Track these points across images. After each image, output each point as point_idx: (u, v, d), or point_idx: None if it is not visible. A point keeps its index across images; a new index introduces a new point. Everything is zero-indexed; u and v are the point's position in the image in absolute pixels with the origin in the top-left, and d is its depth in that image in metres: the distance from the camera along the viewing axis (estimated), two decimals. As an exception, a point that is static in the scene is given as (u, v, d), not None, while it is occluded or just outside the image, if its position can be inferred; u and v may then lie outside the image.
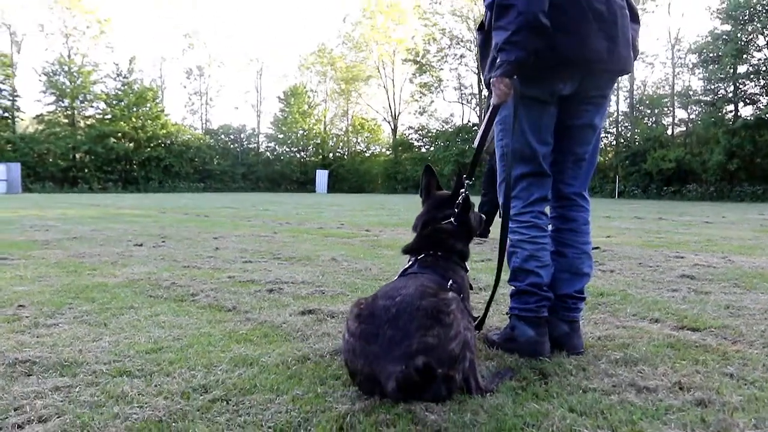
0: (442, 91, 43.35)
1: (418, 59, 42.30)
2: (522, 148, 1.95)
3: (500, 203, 2.05)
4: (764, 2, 24.90)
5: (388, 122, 47.31)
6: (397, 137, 44.87)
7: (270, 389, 1.56)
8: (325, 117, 47.91)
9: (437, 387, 1.43)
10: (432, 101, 44.81)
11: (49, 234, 6.06)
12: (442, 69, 42.37)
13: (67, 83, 35.87)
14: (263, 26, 73.75)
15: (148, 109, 37.93)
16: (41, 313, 2.43)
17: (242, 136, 44.76)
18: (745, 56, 25.83)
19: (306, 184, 40.72)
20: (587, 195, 2.11)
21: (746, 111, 26.67)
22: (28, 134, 34.31)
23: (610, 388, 1.58)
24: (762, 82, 26.01)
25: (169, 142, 38.72)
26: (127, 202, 16.64)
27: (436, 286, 1.62)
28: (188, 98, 52.33)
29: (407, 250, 1.99)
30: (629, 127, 32.47)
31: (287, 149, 44.88)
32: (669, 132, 31.35)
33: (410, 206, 14.36)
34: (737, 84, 26.54)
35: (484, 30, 1.95)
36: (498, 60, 1.76)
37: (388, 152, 45.83)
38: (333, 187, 39.95)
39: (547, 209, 2.07)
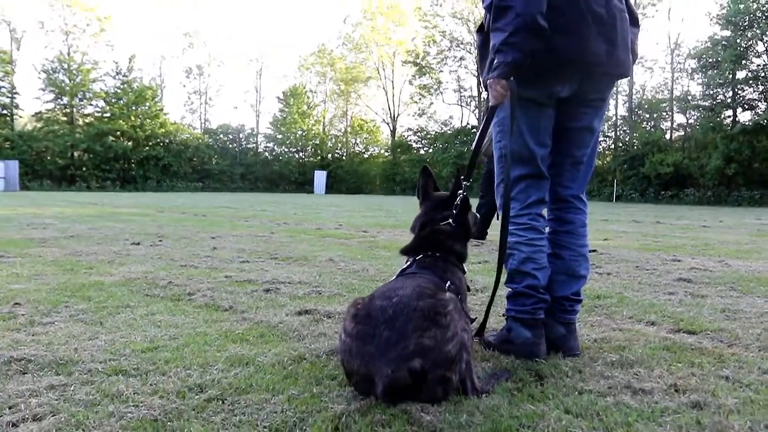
0: (442, 93, 43.49)
1: (417, 61, 42.37)
2: (520, 150, 1.95)
3: (498, 204, 2.05)
4: (764, 9, 25.01)
5: (387, 124, 47.42)
6: (395, 139, 44.92)
7: (266, 389, 1.56)
8: (324, 118, 47.98)
9: (433, 388, 1.43)
10: (431, 103, 45.01)
11: (46, 232, 6.04)
12: (441, 71, 42.51)
13: (67, 81, 35.86)
14: (263, 26, 73.80)
15: (147, 107, 37.91)
16: (37, 312, 2.42)
17: (241, 136, 44.77)
18: (744, 62, 25.95)
19: (304, 185, 40.71)
20: (585, 198, 2.11)
21: (744, 116, 26.86)
22: (27, 132, 34.24)
23: (606, 389, 1.58)
24: (761, 87, 26.13)
25: (167, 141, 38.70)
26: (125, 200, 16.61)
27: (434, 287, 1.62)
28: (187, 97, 52.40)
29: (405, 251, 1.98)
30: (628, 131, 32.58)
31: (286, 149, 44.88)
32: (667, 136, 31.46)
33: (408, 208, 14.36)
34: (736, 89, 26.66)
35: (483, 32, 1.95)
36: (495, 61, 1.76)
37: (386, 154, 45.86)
38: (331, 187, 39.94)
39: (545, 211, 2.07)
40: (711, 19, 27.10)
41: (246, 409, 1.42)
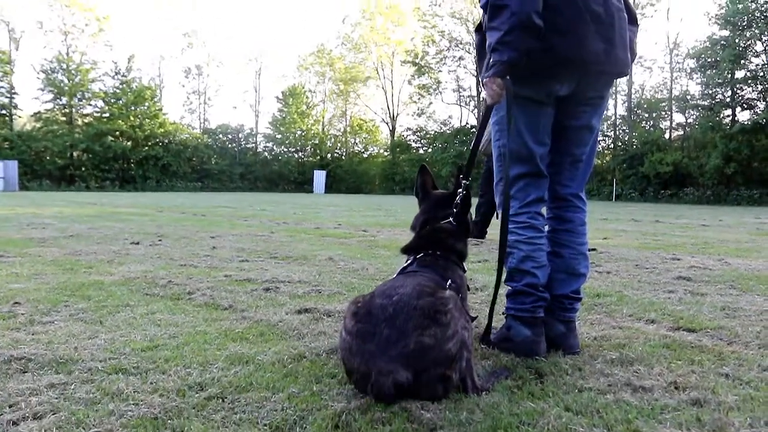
0: (441, 93, 43.52)
1: (416, 61, 42.38)
2: (519, 149, 1.95)
3: (497, 203, 2.05)
4: (762, 9, 25.04)
5: (386, 123, 47.43)
6: (395, 138, 44.92)
7: (266, 387, 1.56)
8: (323, 117, 47.95)
9: (433, 386, 1.43)
10: (430, 103, 44.96)
11: (45, 232, 6.04)
12: (440, 71, 42.54)
13: (66, 81, 35.82)
14: (262, 26, 73.74)
15: (146, 107, 37.87)
16: (37, 311, 2.42)
17: (240, 135, 44.74)
18: (742, 62, 25.98)
19: (303, 185, 40.69)
20: (584, 196, 2.11)
21: (743, 116, 26.88)
22: (26, 132, 34.19)
23: (606, 387, 1.58)
24: (759, 87, 26.16)
25: (166, 141, 38.66)
26: (124, 200, 16.60)
27: (434, 285, 1.62)
28: (186, 97, 52.29)
29: (406, 250, 1.98)
30: (627, 131, 32.60)
31: (285, 149, 44.86)
32: (666, 136, 31.48)
33: (407, 207, 14.36)
34: (735, 89, 26.69)
35: (481, 31, 1.95)
36: (491, 60, 1.76)
37: (386, 153, 45.86)
38: (330, 187, 39.94)
39: (544, 210, 2.07)
40: (710, 19, 27.16)
41: (246, 407, 1.42)
